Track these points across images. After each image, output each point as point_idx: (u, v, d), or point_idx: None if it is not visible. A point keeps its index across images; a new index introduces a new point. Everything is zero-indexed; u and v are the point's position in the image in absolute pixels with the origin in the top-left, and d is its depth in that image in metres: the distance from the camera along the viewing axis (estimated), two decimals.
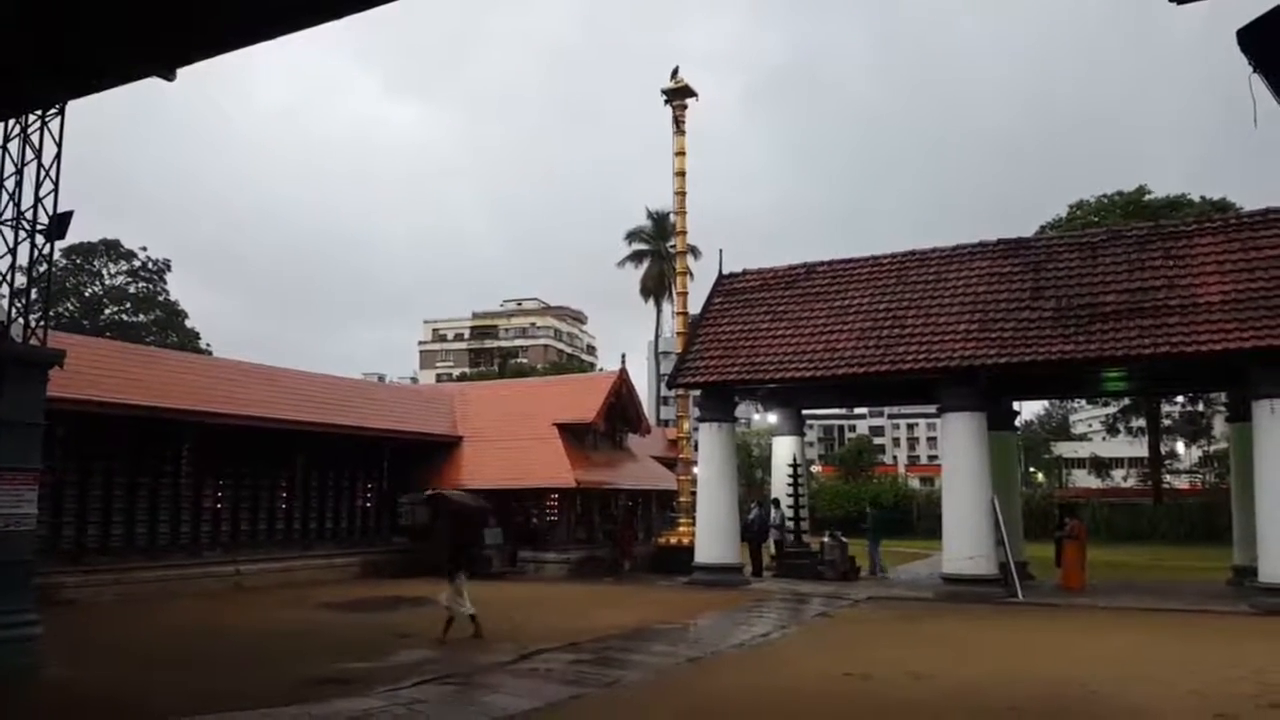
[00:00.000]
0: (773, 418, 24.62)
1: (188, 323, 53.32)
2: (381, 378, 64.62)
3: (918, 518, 40.33)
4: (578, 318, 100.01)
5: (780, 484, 22.95)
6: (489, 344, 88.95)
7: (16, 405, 9.95)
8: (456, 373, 74.84)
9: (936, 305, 18.65)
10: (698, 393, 21.73)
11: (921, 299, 18.97)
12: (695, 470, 22.10)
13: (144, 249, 52.56)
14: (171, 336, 50.04)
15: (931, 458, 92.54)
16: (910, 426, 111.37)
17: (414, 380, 72.72)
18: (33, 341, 10.31)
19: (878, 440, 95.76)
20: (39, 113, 10.18)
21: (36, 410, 10.23)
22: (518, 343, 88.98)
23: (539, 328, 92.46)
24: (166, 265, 53.28)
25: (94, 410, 15.23)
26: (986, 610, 15.62)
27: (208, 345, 51.03)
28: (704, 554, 19.76)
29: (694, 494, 21.50)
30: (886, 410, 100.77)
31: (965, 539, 17.20)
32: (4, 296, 10.37)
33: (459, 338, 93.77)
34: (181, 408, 17.28)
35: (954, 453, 17.91)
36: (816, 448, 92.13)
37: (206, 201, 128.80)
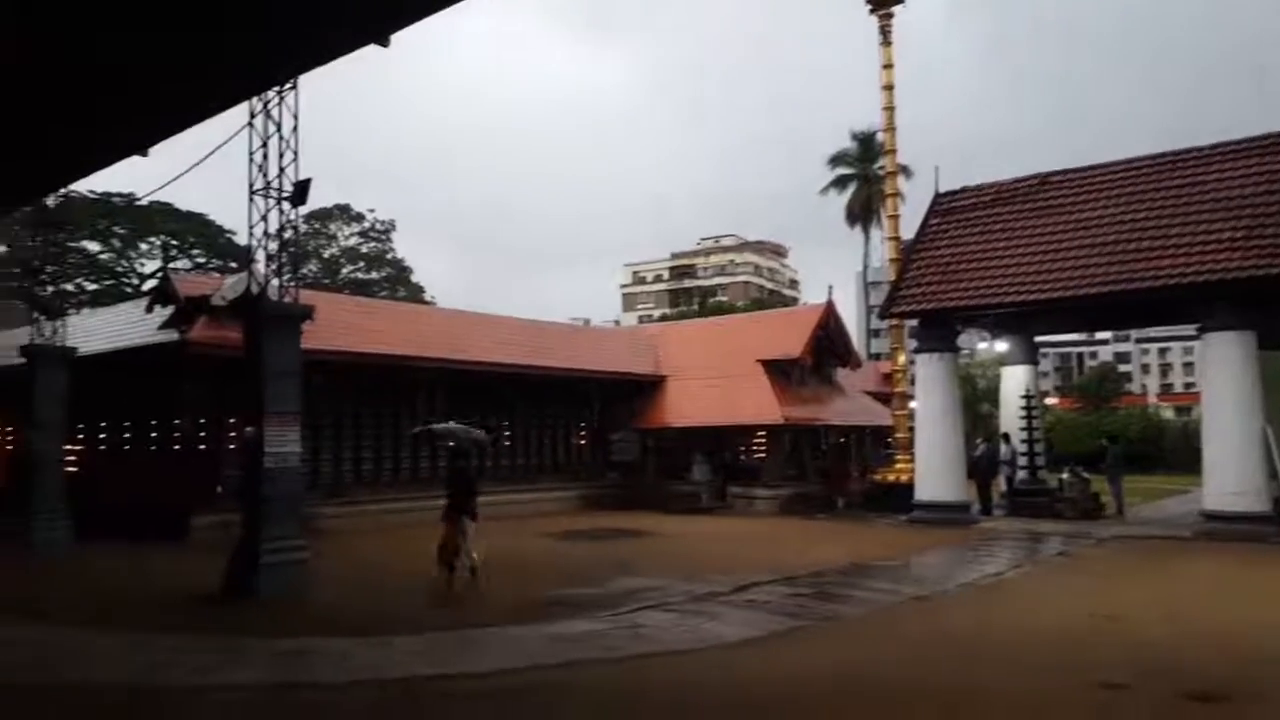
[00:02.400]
0: (1001, 346, 23.31)
1: (413, 278, 57.79)
2: (586, 322, 67.08)
3: (1170, 451, 36.97)
4: (778, 251, 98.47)
5: (1011, 417, 21.77)
6: (688, 284, 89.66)
7: (277, 356, 11.34)
8: (657, 314, 76.26)
9: (1195, 212, 16.74)
10: (914, 322, 20.91)
11: (1177, 206, 17.10)
12: (913, 404, 21.43)
13: (371, 211, 57.29)
14: (400, 291, 54.47)
15: (1188, 385, 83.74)
16: (1162, 351, 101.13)
17: (616, 323, 74.92)
18: (286, 299, 11.65)
19: (1123, 368, 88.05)
20: (276, 89, 11.33)
21: (294, 360, 11.59)
22: (716, 281, 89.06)
23: (738, 264, 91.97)
24: (392, 225, 57.78)
25: (341, 359, 17.04)
26: (1253, 551, 14.17)
27: (431, 298, 55.12)
28: (925, 491, 19.24)
29: (912, 429, 20.89)
30: (1133, 334, 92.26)
31: (1230, 473, 15.63)
32: (260, 260, 11.77)
33: (658, 279, 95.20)
34: (416, 354, 19.08)
35: (1217, 378, 16.22)
36: (1052, 377, 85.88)
37: (415, 163, 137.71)
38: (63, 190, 16.56)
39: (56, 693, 6.91)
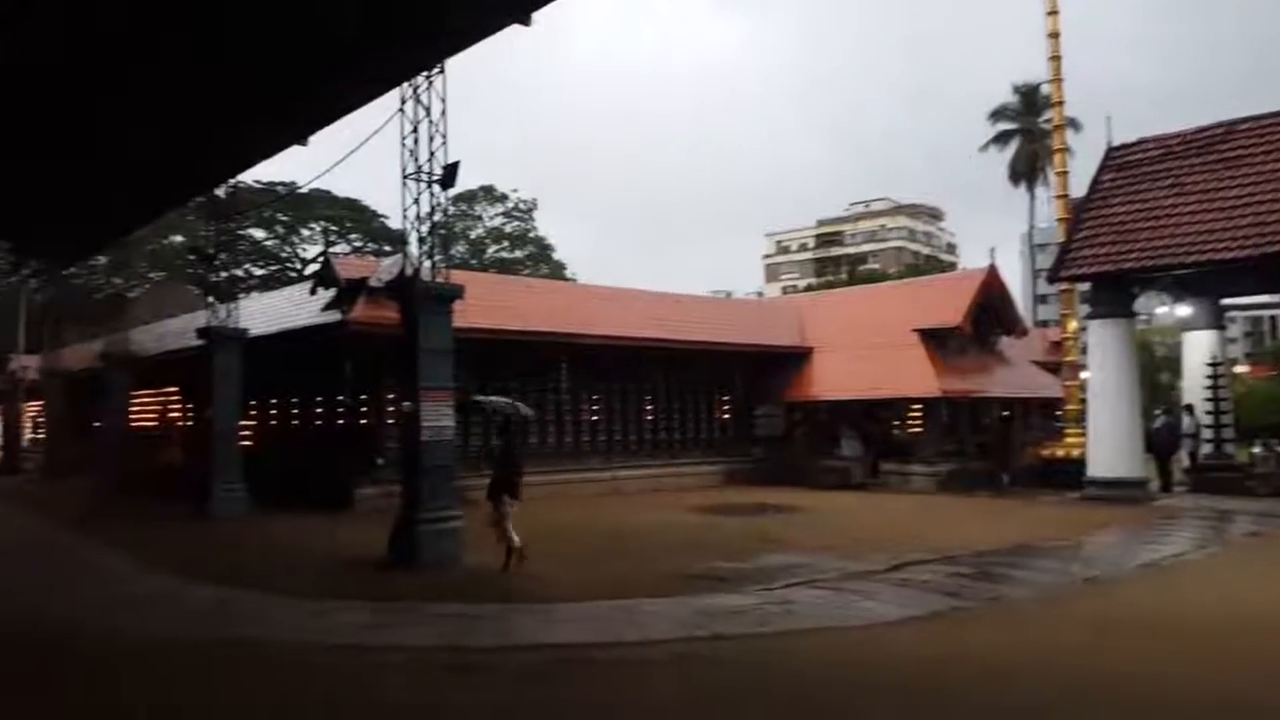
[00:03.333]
0: (1183, 310, 21.64)
1: (555, 255, 59.23)
2: (728, 294, 66.86)
3: None
4: (934, 214, 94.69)
5: (1194, 387, 20.25)
6: (835, 251, 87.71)
7: (431, 334, 11.93)
8: (802, 284, 75.01)
9: None
10: (1085, 286, 19.71)
11: None
12: (1085, 374, 20.27)
13: (515, 190, 59.00)
14: (543, 268, 56.00)
15: None
16: None
17: (759, 295, 74.22)
18: (438, 280, 12.21)
19: None
20: (425, 75, 11.83)
21: (447, 338, 12.15)
22: (866, 248, 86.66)
23: (890, 229, 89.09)
24: (534, 204, 59.38)
25: (488, 336, 17.71)
26: None
27: (573, 275, 56.35)
28: (1098, 467, 18.19)
29: (1083, 401, 19.77)
30: None
31: None
32: (413, 242, 12.36)
33: (803, 248, 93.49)
34: (558, 330, 19.63)
35: None
36: (1241, 344, 78.98)
37: (553, 141, 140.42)
38: (231, 181, 17.95)
39: (239, 648, 7.60)
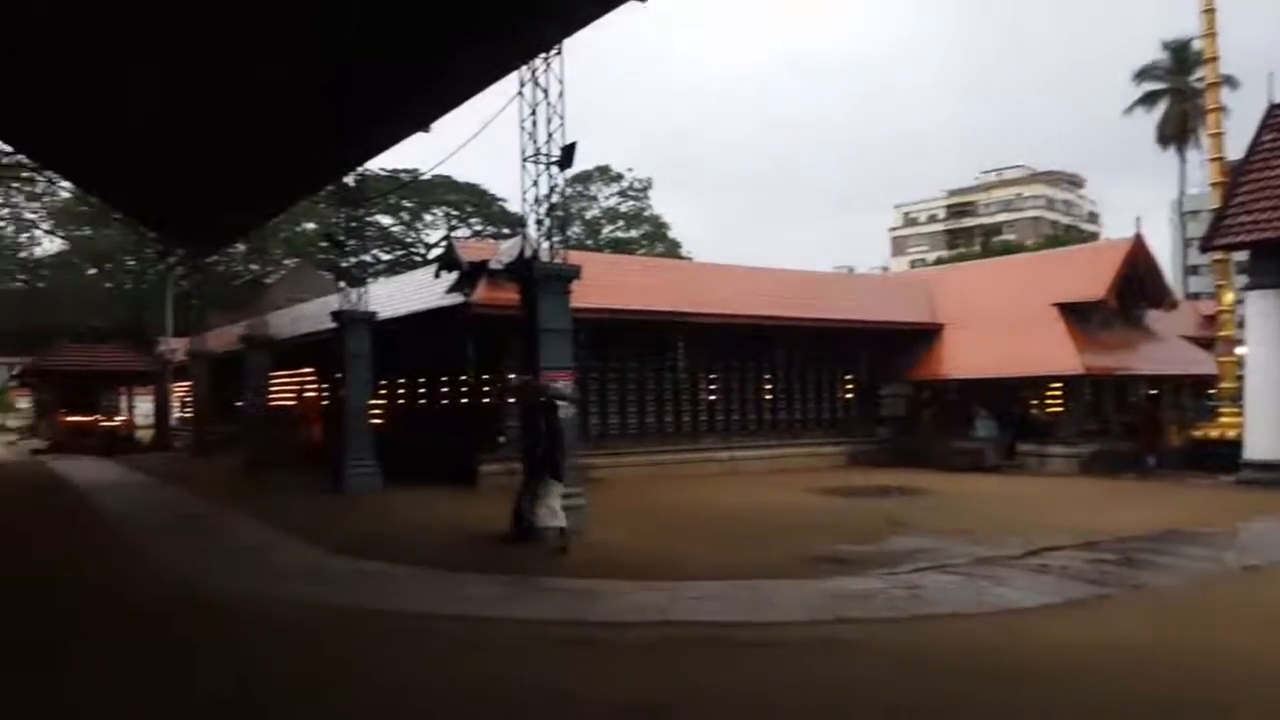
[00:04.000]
0: None
1: (670, 233, 59.37)
2: (850, 269, 65.55)
3: None
4: (1073, 182, 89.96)
5: None
6: (967, 223, 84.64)
7: (550, 315, 12.24)
8: (931, 257, 72.74)
9: None
10: (1243, 255, 18.40)
11: None
12: (1241, 350, 18.96)
13: (630, 170, 59.39)
14: (658, 247, 56.24)
15: None
16: None
17: (885, 269, 72.40)
18: (556, 261, 12.48)
19: None
20: (543, 56, 12.06)
21: (565, 318, 12.43)
22: (1001, 217, 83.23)
23: (1026, 198, 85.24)
24: (649, 183, 59.63)
25: (605, 316, 17.96)
26: None
27: (689, 253, 56.36)
28: (1256, 449, 17.03)
29: (1240, 378, 18.51)
30: None
31: None
32: (531, 224, 12.67)
33: (932, 219, 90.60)
34: (674, 309, 19.72)
35: None
36: None
37: (669, 117, 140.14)
38: (359, 169, 18.79)
39: (371, 616, 8.04)
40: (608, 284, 18.76)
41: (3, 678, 6.28)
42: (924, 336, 23.50)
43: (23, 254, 54.86)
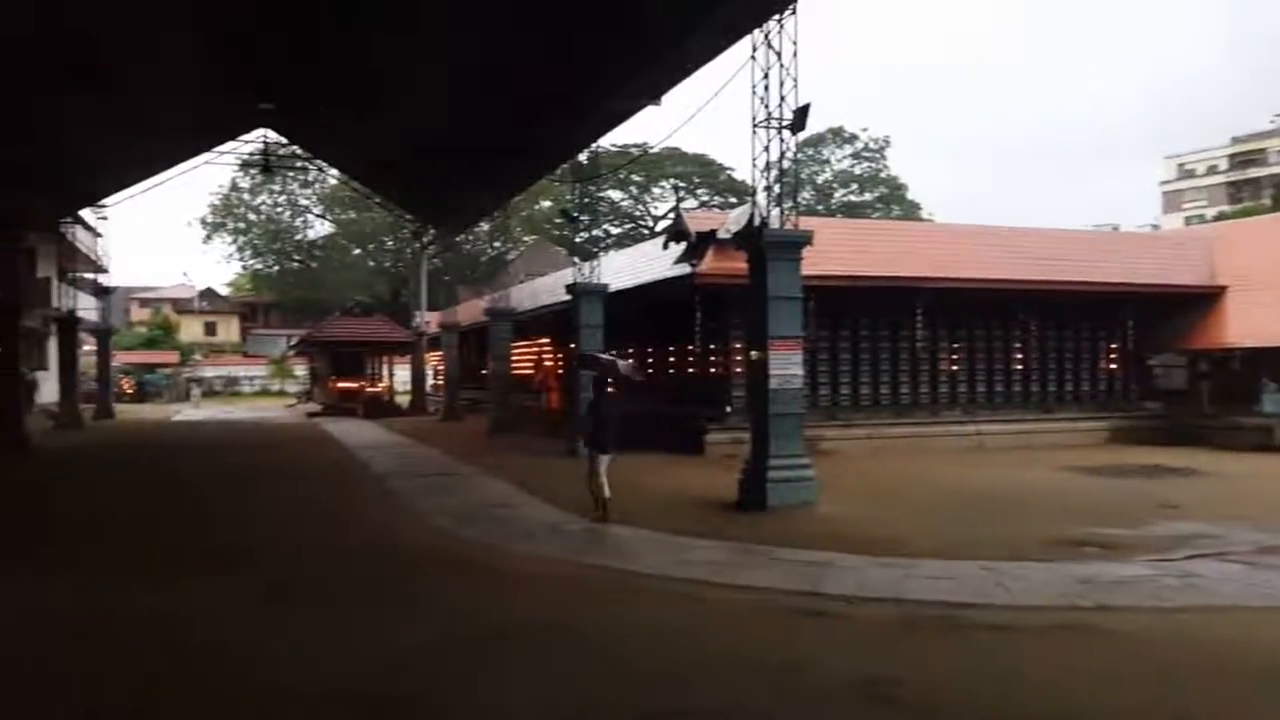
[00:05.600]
0: None
1: (909, 195, 57.05)
2: (1115, 228, 60.02)
3: None
4: None
5: None
6: (1254, 173, 74.76)
7: (779, 282, 12.14)
8: (1211, 213, 65.08)
9: None
10: None
11: None
12: None
13: (865, 130, 57.50)
14: (895, 210, 54.23)
15: None
16: None
17: (1155, 227, 65.64)
18: (786, 227, 12.35)
19: None
20: (776, 18, 11.89)
21: (795, 285, 12.29)
22: None
23: None
24: (886, 142, 57.56)
25: (838, 283, 17.57)
26: None
27: (929, 215, 53.89)
28: None
29: None
30: None
31: None
32: (760, 191, 12.59)
33: (1212, 171, 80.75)
34: (912, 275, 18.88)
35: None
36: None
37: (908, 74, 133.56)
38: (592, 146, 19.48)
39: (607, 573, 8.52)
40: (843, 249, 18.34)
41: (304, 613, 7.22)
42: (1202, 301, 21.10)
43: (298, 237, 61.96)
